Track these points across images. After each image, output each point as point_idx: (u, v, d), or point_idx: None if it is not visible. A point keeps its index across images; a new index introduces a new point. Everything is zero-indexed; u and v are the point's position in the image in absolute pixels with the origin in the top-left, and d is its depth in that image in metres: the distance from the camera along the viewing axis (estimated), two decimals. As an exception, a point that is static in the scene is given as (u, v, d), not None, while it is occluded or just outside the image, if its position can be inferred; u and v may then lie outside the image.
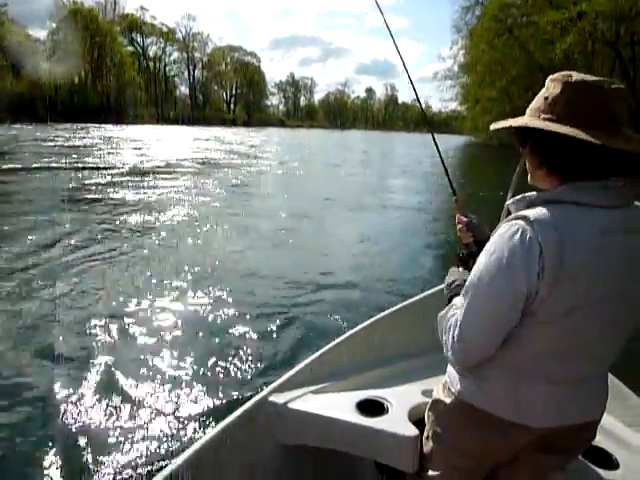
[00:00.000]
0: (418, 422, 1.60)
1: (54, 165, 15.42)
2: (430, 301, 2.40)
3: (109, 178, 13.39)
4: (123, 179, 13.38)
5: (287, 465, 1.87)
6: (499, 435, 1.22)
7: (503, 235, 1.07)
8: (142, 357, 3.66)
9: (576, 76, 1.08)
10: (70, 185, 11.77)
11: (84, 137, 30.32)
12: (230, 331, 4.16)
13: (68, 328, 4.09)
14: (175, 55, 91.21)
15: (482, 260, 1.11)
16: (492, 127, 1.23)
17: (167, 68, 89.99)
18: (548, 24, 30.56)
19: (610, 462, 1.58)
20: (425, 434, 1.45)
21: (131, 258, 6.16)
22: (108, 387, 3.22)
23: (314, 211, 9.93)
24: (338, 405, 1.80)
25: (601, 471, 1.52)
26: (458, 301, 1.22)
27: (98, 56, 67.26)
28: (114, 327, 4.08)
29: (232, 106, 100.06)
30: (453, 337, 1.16)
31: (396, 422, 1.66)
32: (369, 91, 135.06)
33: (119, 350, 3.75)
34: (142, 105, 69.81)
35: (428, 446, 1.43)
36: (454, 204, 1.69)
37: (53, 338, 3.90)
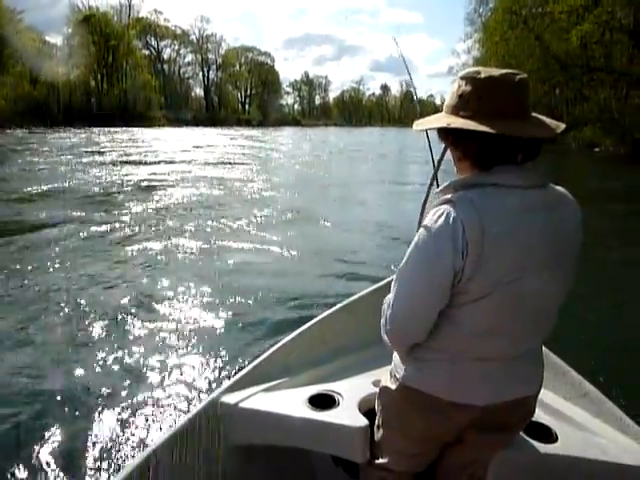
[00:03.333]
0: (370, 412, 1.60)
1: (127, 160, 18.17)
2: (381, 293, 2.35)
3: (193, 168, 16.08)
4: (202, 168, 16.19)
5: (241, 466, 1.83)
6: (441, 416, 1.27)
7: (430, 220, 1.13)
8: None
9: (484, 72, 1.15)
10: (157, 174, 14.42)
11: (130, 139, 32.45)
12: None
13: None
14: (189, 57, 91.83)
15: (411, 247, 1.17)
16: (415, 128, 1.30)
17: (182, 70, 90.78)
18: (563, 13, 29.94)
19: (550, 436, 1.59)
20: (376, 423, 1.49)
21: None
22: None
23: (348, 185, 13.56)
24: (289, 401, 1.78)
25: (540, 445, 1.53)
26: None
27: (113, 60, 67.98)
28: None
29: (247, 106, 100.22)
30: (385, 319, 1.24)
31: (346, 414, 1.65)
32: (384, 88, 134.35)
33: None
34: (157, 108, 70.23)
35: (379, 434, 1.47)
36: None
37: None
